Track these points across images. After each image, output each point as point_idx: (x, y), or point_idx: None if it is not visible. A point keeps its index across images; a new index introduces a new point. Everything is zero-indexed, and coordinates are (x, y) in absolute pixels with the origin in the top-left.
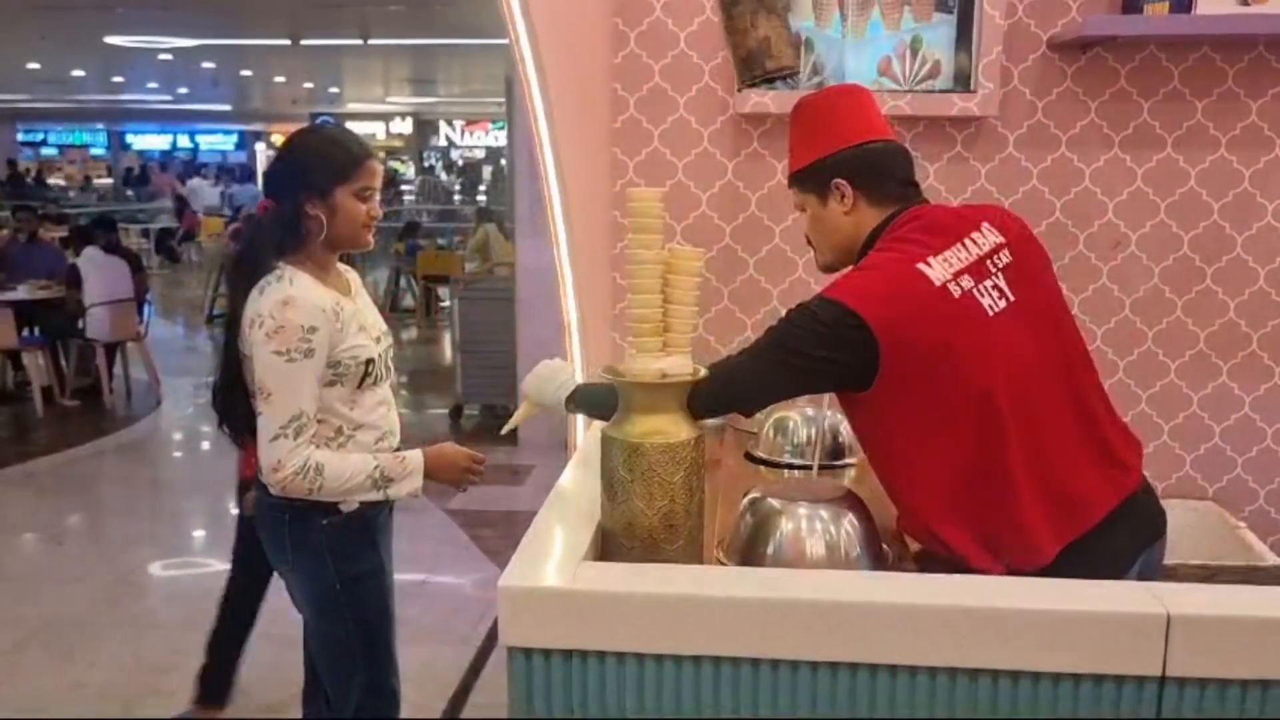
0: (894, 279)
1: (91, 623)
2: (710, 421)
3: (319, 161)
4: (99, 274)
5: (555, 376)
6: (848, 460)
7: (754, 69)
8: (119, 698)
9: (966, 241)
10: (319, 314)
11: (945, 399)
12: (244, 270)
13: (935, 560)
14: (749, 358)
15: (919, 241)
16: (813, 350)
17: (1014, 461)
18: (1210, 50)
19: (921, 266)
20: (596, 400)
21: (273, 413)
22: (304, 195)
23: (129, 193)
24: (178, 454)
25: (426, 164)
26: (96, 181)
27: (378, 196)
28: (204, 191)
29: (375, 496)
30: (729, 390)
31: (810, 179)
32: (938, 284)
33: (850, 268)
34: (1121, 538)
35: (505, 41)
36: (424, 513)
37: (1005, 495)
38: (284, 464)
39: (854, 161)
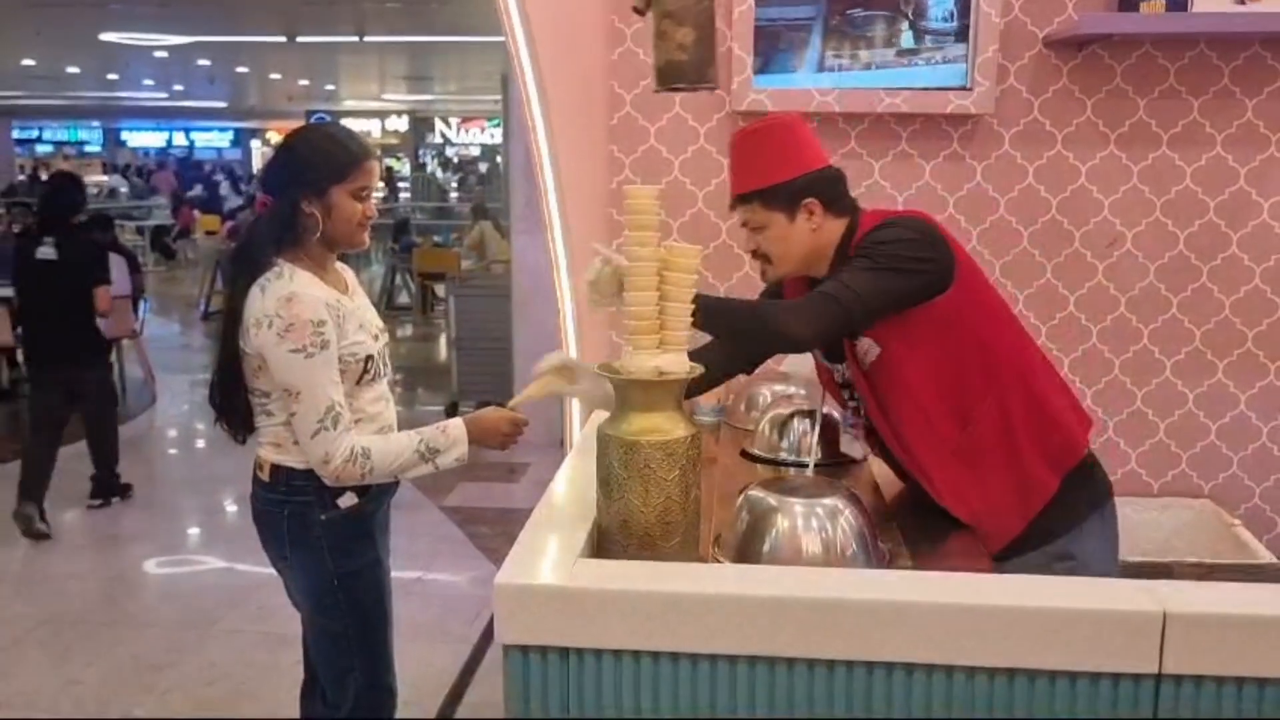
0: (919, 216)
1: (87, 621)
2: (706, 419)
3: (317, 160)
4: None
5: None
6: (844, 458)
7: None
8: (115, 696)
9: None
10: (322, 307)
11: (997, 305)
12: (243, 266)
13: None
14: (857, 273)
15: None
16: (913, 252)
17: (1039, 365)
18: (1206, 48)
19: None
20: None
21: (305, 410)
22: (300, 193)
23: (123, 189)
24: (173, 451)
25: (421, 161)
26: (92, 179)
27: (374, 196)
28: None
29: (427, 470)
30: (853, 305)
31: (779, 198)
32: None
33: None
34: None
35: (501, 39)
36: (420, 510)
37: (1056, 384)
38: (332, 455)
39: (822, 183)
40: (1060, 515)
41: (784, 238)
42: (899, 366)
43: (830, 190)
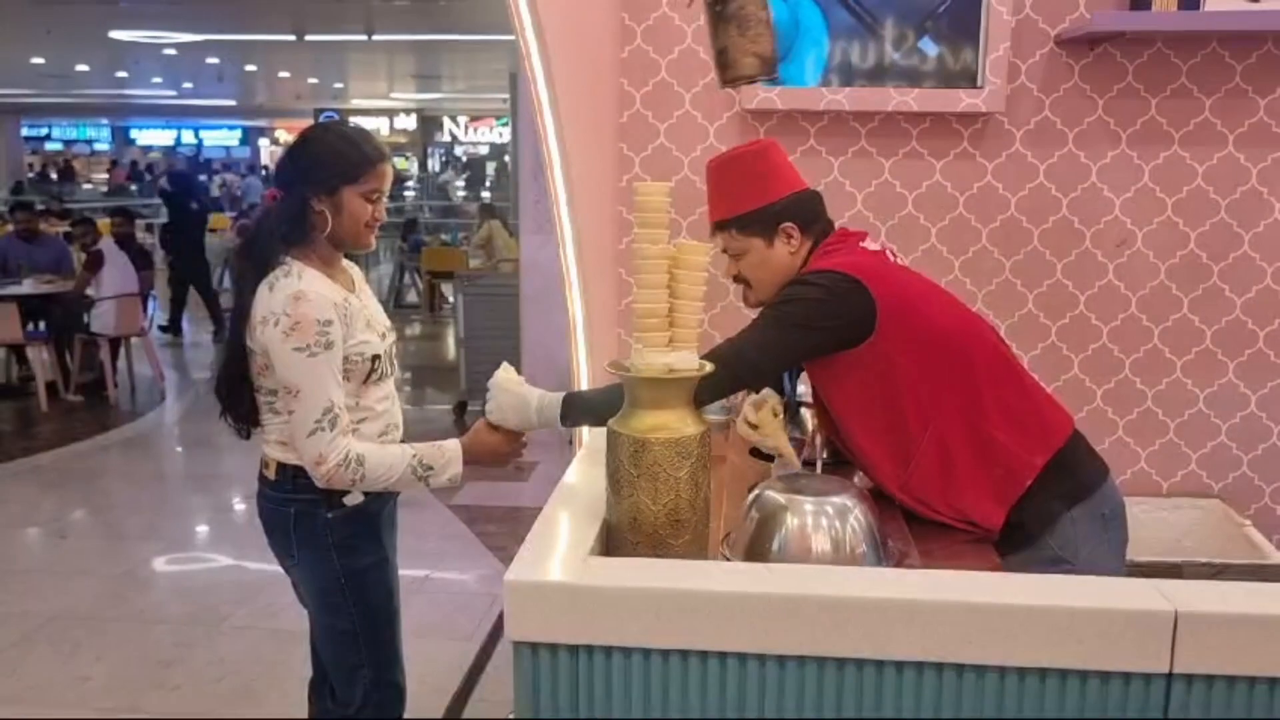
0: (854, 253)
1: (96, 617)
2: (715, 418)
3: (331, 159)
4: (111, 267)
5: (524, 401)
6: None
7: (724, 73)
8: (124, 692)
9: (868, 240)
10: (330, 307)
11: (939, 341)
12: (251, 262)
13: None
14: (754, 332)
15: (847, 237)
16: (816, 311)
17: (987, 394)
18: (1218, 46)
19: (863, 245)
20: (597, 407)
21: (304, 409)
22: (311, 190)
23: (133, 187)
24: (181, 449)
25: (430, 162)
26: (97, 176)
27: (384, 200)
28: None
29: (418, 487)
30: (738, 366)
31: (756, 223)
32: (881, 249)
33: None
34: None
35: (510, 37)
36: (428, 508)
37: (1010, 409)
38: (326, 457)
39: (798, 206)
40: (1034, 514)
41: (763, 262)
42: (836, 409)
43: (808, 213)
